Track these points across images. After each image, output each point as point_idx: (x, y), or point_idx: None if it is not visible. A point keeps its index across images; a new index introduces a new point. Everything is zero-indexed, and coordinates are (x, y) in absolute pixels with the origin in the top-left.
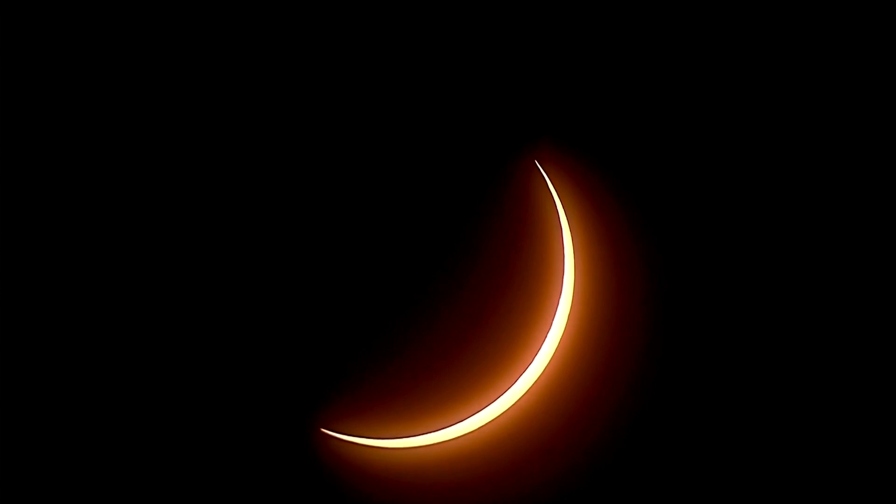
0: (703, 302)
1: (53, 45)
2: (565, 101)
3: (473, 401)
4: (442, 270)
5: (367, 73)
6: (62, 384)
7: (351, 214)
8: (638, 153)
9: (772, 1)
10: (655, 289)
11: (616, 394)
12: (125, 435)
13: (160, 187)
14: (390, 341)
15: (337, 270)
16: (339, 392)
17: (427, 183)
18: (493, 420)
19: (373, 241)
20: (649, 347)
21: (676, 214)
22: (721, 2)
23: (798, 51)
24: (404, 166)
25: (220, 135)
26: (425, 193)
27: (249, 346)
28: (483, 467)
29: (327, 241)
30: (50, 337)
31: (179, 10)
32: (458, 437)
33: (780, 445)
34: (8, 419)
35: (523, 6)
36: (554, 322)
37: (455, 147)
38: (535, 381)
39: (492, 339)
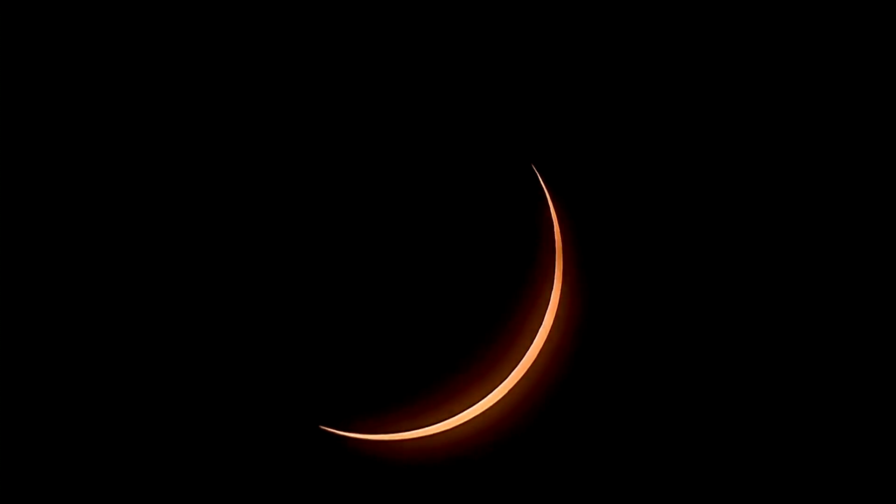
0: (690, 304)
1: (53, 45)
2: (566, 112)
3: (468, 395)
4: (439, 272)
5: (370, 84)
6: (62, 384)
7: (345, 215)
8: (629, 166)
9: (749, 37)
10: (640, 293)
11: (598, 388)
12: (125, 433)
13: (161, 187)
14: (387, 340)
15: (333, 269)
16: (338, 390)
17: (424, 185)
18: (485, 412)
19: (370, 244)
20: (630, 347)
21: (665, 224)
22: (707, 33)
23: (775, 82)
24: (403, 170)
25: (225, 137)
26: (422, 196)
27: (248, 346)
28: (477, 456)
29: (324, 241)
30: (50, 338)
31: (179, 10)
32: (453, 428)
33: (760, 438)
34: (8, 419)
35: (526, 20)
36: (543, 321)
37: (455, 150)
38: (524, 375)
39: (486, 337)
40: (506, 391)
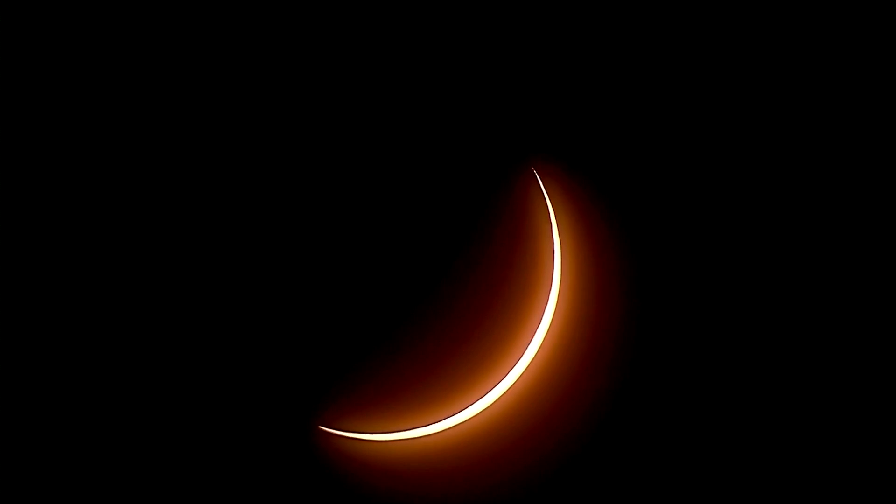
0: (682, 306)
1: (53, 45)
2: (565, 113)
3: (467, 394)
4: (437, 272)
5: (372, 80)
6: (61, 384)
7: (347, 216)
8: (626, 168)
9: (754, 33)
10: (637, 293)
11: (597, 387)
12: (124, 433)
13: (159, 187)
14: (386, 340)
15: (334, 270)
16: (337, 390)
17: (425, 187)
18: (484, 410)
19: (369, 243)
20: (628, 346)
21: (660, 225)
22: (710, 30)
23: (779, 79)
24: (406, 171)
25: (221, 136)
26: (421, 197)
27: (247, 347)
28: (476, 455)
29: (325, 242)
30: (49, 337)
31: (179, 10)
32: (452, 428)
33: (754, 437)
34: (8, 419)
35: (530, 21)
36: (541, 321)
37: (456, 153)
38: (523, 374)
39: (484, 336)
40: (503, 392)
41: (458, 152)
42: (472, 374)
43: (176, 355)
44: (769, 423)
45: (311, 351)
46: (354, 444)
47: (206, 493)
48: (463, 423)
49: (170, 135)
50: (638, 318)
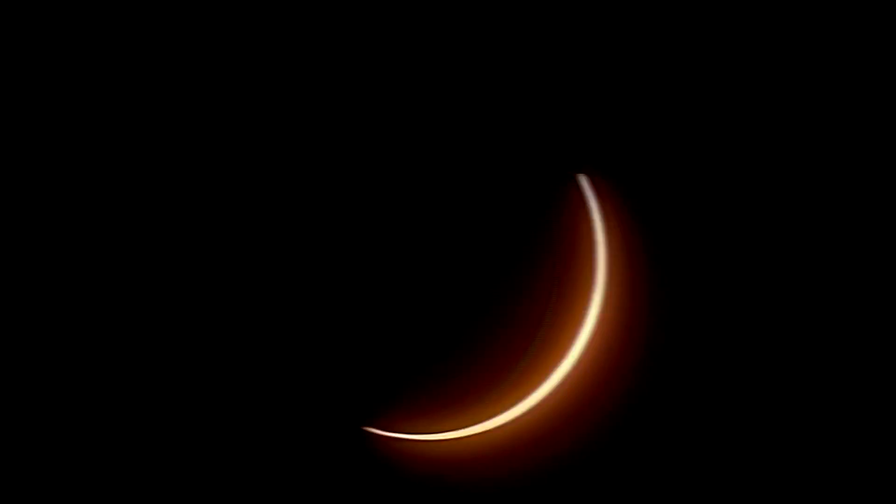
0: (721, 317)
1: (53, 45)
2: (614, 125)
3: (512, 394)
4: (484, 278)
5: (416, 94)
6: (76, 384)
7: (394, 227)
8: (673, 180)
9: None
10: (676, 302)
11: (635, 388)
12: (174, 436)
13: (185, 188)
14: (432, 343)
15: (379, 276)
16: (384, 393)
17: (475, 194)
18: (529, 410)
19: (418, 251)
20: (667, 353)
21: (705, 238)
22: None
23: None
24: (455, 179)
25: (237, 138)
26: (472, 204)
27: (293, 352)
28: (522, 454)
29: (373, 249)
30: (60, 340)
31: (179, 10)
32: (498, 427)
33: (783, 443)
34: (12, 421)
35: (580, 34)
36: (584, 326)
37: (504, 161)
38: (567, 375)
39: (529, 340)
40: (548, 393)
41: (509, 163)
42: (519, 374)
43: (223, 358)
44: (818, 428)
45: (355, 351)
46: (402, 445)
47: (247, 496)
48: (509, 422)
49: (181, 137)
50: (678, 326)
